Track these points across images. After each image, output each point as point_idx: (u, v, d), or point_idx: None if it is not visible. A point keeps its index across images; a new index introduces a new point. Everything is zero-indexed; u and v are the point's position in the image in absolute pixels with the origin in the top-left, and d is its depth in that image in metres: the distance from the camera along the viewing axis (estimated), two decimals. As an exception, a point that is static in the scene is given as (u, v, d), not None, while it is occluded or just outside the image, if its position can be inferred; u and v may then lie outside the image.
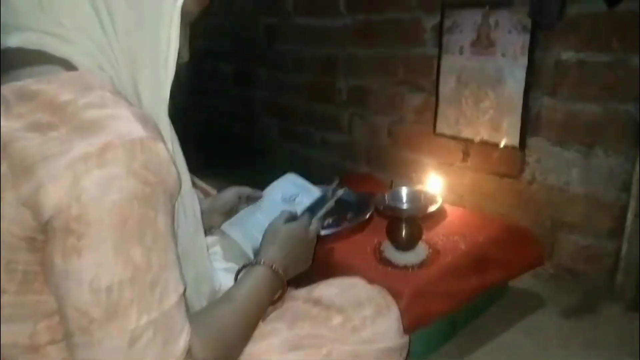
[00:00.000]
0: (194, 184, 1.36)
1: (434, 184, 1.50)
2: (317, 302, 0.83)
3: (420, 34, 1.56)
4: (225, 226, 1.09)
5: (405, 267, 1.12)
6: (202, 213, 1.06)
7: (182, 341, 0.53)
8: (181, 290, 0.55)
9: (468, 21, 1.40)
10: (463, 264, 1.14)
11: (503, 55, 1.33)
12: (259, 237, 1.00)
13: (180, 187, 0.57)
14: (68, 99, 0.49)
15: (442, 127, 1.54)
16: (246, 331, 0.70)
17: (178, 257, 0.56)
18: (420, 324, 1.02)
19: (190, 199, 0.77)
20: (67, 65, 0.54)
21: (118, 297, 0.48)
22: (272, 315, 0.81)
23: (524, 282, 1.32)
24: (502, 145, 1.38)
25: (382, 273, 1.11)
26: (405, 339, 0.83)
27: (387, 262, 1.14)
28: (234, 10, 2.43)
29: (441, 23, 1.46)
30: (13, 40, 0.54)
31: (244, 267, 0.80)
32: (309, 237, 0.94)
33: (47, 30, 0.55)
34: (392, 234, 1.15)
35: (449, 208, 1.41)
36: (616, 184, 1.19)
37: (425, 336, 1.08)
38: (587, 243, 1.27)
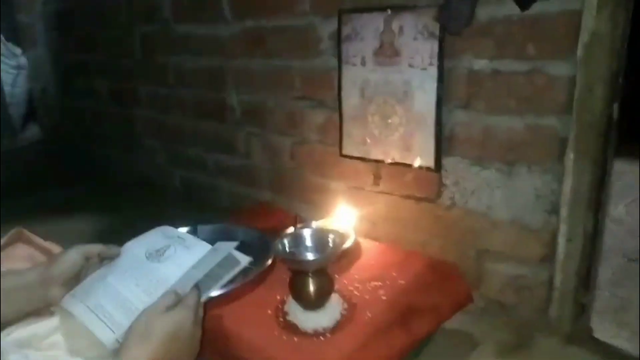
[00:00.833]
0: (29, 243, 1.04)
1: (344, 213, 1.30)
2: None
3: (316, 43, 1.35)
4: (66, 300, 0.80)
5: (316, 334, 0.89)
6: (32, 286, 0.77)
7: None
8: None
9: (369, 27, 1.21)
10: (386, 318, 0.94)
11: (410, 65, 1.16)
12: (113, 312, 0.74)
13: None
14: None
15: (348, 147, 1.35)
16: None
17: None
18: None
19: None
20: None
21: None
22: None
23: (453, 320, 1.14)
24: (415, 165, 1.21)
25: (287, 345, 0.87)
26: None
27: (292, 328, 0.91)
28: (106, 18, 2.08)
29: (339, 30, 1.27)
30: None
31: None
32: (197, 329, 0.69)
33: None
34: (297, 291, 0.92)
35: (363, 243, 1.22)
36: (543, 206, 1.06)
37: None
38: (516, 273, 1.14)
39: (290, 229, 1.22)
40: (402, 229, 1.31)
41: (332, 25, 1.30)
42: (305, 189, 1.54)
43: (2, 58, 2.37)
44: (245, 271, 1.06)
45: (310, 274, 0.89)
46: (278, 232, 1.23)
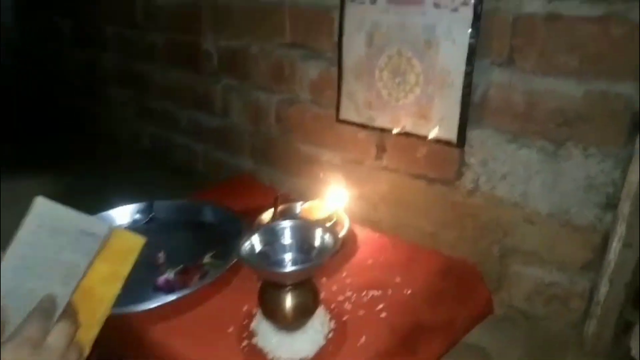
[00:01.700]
0: None
1: (338, 191, 1.05)
2: None
3: (313, -27, 1.06)
4: None
5: (293, 366, 0.66)
6: None
7: None
8: None
9: (383, -48, 0.92)
10: (386, 344, 0.71)
11: (436, 4, 0.88)
12: None
13: None
14: None
15: (348, 111, 1.08)
16: None
17: None
18: None
19: None
20: None
21: None
22: None
23: (464, 333, 0.93)
24: (431, 137, 0.95)
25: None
26: None
27: (258, 358, 0.67)
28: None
29: (343, -44, 0.98)
30: None
31: None
32: None
33: None
34: (269, 307, 0.68)
35: (360, 233, 0.97)
36: (597, 199, 0.81)
37: None
38: (549, 279, 0.90)
39: (270, 213, 0.96)
40: (409, 215, 1.06)
41: (335, -50, 1.00)
42: (293, 159, 1.28)
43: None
44: (202, 270, 0.82)
45: (288, 287, 0.64)
46: (255, 212, 0.98)
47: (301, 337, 0.68)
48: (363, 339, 0.69)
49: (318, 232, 0.70)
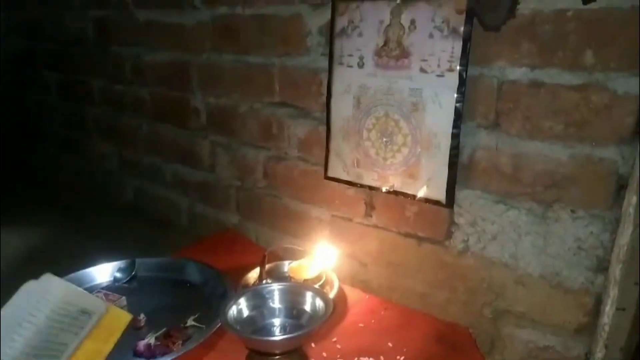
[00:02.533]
0: None
1: (327, 249, 1.03)
2: None
3: (302, 37, 1.09)
4: None
5: None
6: None
7: None
8: None
9: (371, 19, 0.96)
10: (379, 415, 0.67)
11: (422, 70, 0.90)
12: None
13: None
14: None
15: (336, 168, 1.08)
16: None
17: None
18: None
19: None
20: None
21: None
22: None
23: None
24: (420, 197, 0.95)
25: None
26: None
27: None
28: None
29: (332, 22, 1.01)
30: None
31: None
32: None
33: None
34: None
35: (350, 294, 0.95)
36: (587, 262, 0.81)
37: None
38: (543, 343, 0.88)
39: (256, 272, 0.94)
40: (399, 275, 1.04)
41: (324, 16, 1.04)
42: (280, 215, 1.26)
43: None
44: (186, 334, 0.78)
45: (276, 357, 0.61)
46: (241, 271, 0.96)
47: (290, 410, 0.64)
48: (356, 412, 0.66)
49: (309, 296, 0.68)
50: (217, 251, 1.12)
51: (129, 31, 1.53)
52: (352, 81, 1.01)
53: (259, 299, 0.68)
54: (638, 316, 0.80)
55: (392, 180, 1.00)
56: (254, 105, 1.24)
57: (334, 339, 0.81)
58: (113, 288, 0.93)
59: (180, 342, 0.75)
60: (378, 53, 0.96)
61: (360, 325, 0.85)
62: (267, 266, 0.98)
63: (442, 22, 0.86)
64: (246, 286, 0.87)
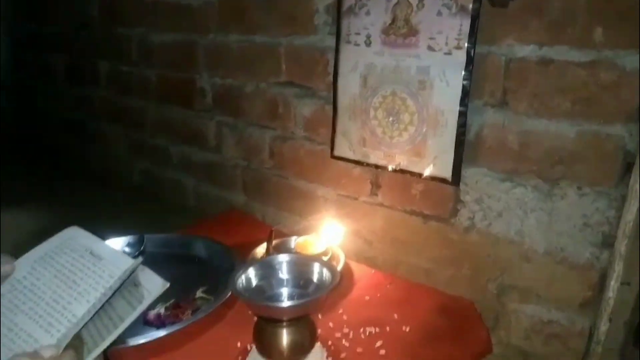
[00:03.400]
0: None
1: (333, 227, 1.04)
2: None
3: (309, 16, 1.09)
4: None
5: (291, 407, 0.63)
6: None
7: None
8: None
9: (378, -3, 0.96)
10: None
11: (430, 48, 0.91)
12: None
13: None
14: None
15: (342, 148, 1.09)
16: None
17: None
18: None
19: None
20: None
21: None
22: None
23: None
24: (426, 175, 0.96)
25: None
26: None
27: (258, 396, 0.64)
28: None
29: (339, 0, 1.01)
30: None
31: None
32: None
33: None
34: (264, 344, 0.66)
35: (356, 269, 0.96)
36: (592, 238, 0.82)
37: None
38: (547, 317, 0.90)
39: (263, 247, 0.95)
40: (404, 252, 1.06)
41: (331, -5, 1.04)
42: (286, 195, 1.27)
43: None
44: (195, 305, 0.80)
45: (284, 323, 0.63)
46: (248, 248, 0.97)
47: (299, 376, 0.66)
48: (364, 379, 0.67)
49: (316, 267, 0.69)
50: (224, 229, 1.14)
51: (135, 12, 1.53)
52: (359, 60, 1.01)
53: (267, 270, 0.69)
54: (642, 291, 0.81)
55: (399, 159, 1.00)
56: (260, 85, 1.24)
57: (340, 311, 0.82)
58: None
59: (190, 312, 0.76)
60: (385, 31, 0.96)
61: (366, 298, 0.87)
62: (274, 242, 0.99)
63: (451, -1, 0.86)
64: (255, 259, 0.88)
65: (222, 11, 1.28)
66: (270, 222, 1.31)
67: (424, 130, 0.95)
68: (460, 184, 0.94)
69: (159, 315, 0.75)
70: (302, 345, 0.66)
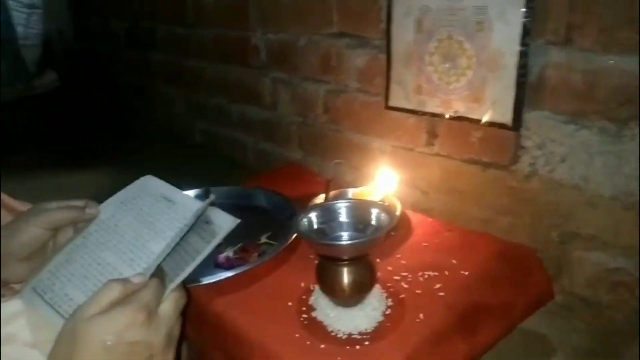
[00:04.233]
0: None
1: (388, 178, 1.05)
2: None
3: (362, -38, 1.07)
4: (25, 293, 0.62)
5: (350, 339, 0.67)
6: None
7: None
8: None
9: None
10: (445, 321, 0.71)
11: (488, -15, 0.87)
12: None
13: None
14: None
15: (397, 97, 1.08)
16: None
17: None
18: None
19: None
20: None
21: None
22: None
23: (523, 319, 0.91)
24: (484, 121, 0.94)
25: (311, 353, 0.65)
26: None
27: (319, 330, 0.69)
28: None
29: (392, -58, 0.98)
30: None
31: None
32: (155, 334, 0.47)
33: None
34: (326, 282, 0.69)
35: (413, 218, 0.97)
36: (663, 181, 0.78)
37: None
38: (613, 265, 0.87)
39: (321, 198, 0.98)
40: (461, 202, 1.05)
41: (383, -63, 1.01)
42: (341, 148, 1.29)
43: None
44: (260, 249, 0.85)
45: (345, 262, 0.65)
46: (306, 199, 1.00)
47: (359, 313, 0.69)
48: (421, 316, 0.69)
49: (374, 211, 0.70)
50: (282, 182, 1.17)
51: (188, -27, 1.56)
52: (412, 3, 0.98)
53: (327, 214, 0.72)
54: None
55: (456, 106, 0.98)
56: (312, 38, 1.24)
57: (398, 256, 0.84)
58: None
59: (256, 255, 0.81)
60: (440, -29, 0.93)
61: (424, 244, 0.88)
62: (331, 193, 1.01)
63: None
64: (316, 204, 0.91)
65: (272, -35, 1.28)
66: (326, 175, 1.34)
67: (482, 74, 0.92)
68: (521, 128, 0.91)
69: (228, 258, 0.80)
70: (363, 284, 0.68)
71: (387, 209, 0.71)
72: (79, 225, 0.66)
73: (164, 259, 0.56)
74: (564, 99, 0.85)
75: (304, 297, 0.74)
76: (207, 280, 0.74)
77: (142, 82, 2.01)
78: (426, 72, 1.00)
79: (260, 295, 0.75)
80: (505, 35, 0.87)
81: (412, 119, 1.08)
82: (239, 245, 0.83)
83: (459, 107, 0.98)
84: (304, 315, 0.71)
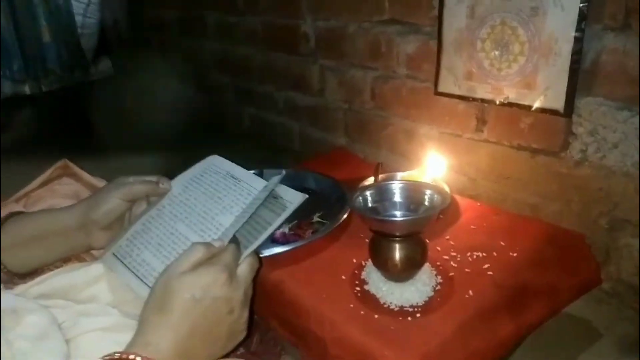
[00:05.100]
0: (76, 178, 0.93)
1: (435, 164, 1.07)
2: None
3: (414, -51, 1.08)
4: (106, 258, 0.69)
5: (402, 311, 0.70)
6: (70, 230, 0.69)
7: None
8: None
9: None
10: (492, 299, 0.73)
11: (544, -30, 0.87)
12: (159, 268, 0.63)
13: None
14: None
15: (446, 83, 1.09)
16: None
17: None
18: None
19: None
20: None
21: None
22: None
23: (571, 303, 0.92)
24: (536, 107, 0.95)
25: (366, 323, 0.69)
26: None
27: (372, 302, 0.72)
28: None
29: None
30: None
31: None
32: (235, 292, 0.53)
33: None
34: (379, 258, 0.73)
35: (461, 202, 0.99)
36: None
37: None
38: (664, 252, 0.87)
39: (370, 180, 1.01)
40: (510, 188, 1.06)
41: None
42: (388, 135, 1.31)
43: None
44: (313, 227, 0.89)
45: (397, 238, 0.69)
46: (354, 182, 1.03)
47: (410, 288, 0.72)
48: (470, 293, 0.72)
49: (428, 192, 0.73)
50: (330, 166, 1.20)
51: (240, -38, 1.61)
52: (466, -9, 1.00)
53: (380, 194, 0.75)
54: None
55: (507, 92, 0.99)
56: (362, 25, 1.27)
57: (447, 237, 0.86)
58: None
59: (310, 232, 0.86)
60: (495, -42, 0.93)
61: (472, 227, 0.90)
62: (380, 176, 1.04)
63: None
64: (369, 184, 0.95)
65: (324, -47, 1.30)
66: (373, 161, 1.37)
67: (535, 60, 0.93)
68: (573, 115, 0.91)
69: (284, 234, 0.85)
70: (414, 260, 0.72)
71: (440, 190, 0.73)
72: (152, 198, 0.72)
73: (238, 230, 0.61)
74: (618, 85, 0.85)
75: (356, 271, 0.78)
76: (266, 253, 0.79)
77: (192, 69, 2.09)
78: (477, 58, 1.02)
79: (315, 269, 0.80)
80: (561, 21, 0.87)
81: (461, 105, 1.10)
82: (293, 223, 0.88)
83: (510, 93, 0.98)
84: (357, 289, 0.75)
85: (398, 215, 0.75)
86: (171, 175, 0.75)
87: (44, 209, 0.76)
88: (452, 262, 0.79)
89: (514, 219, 0.93)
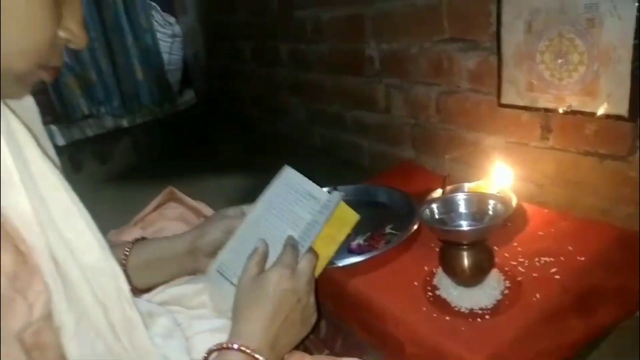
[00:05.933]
0: (180, 202, 1.07)
1: (502, 173, 1.11)
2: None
3: (469, -29, 1.14)
4: (210, 273, 0.81)
5: (472, 314, 0.76)
6: (182, 255, 0.77)
7: None
8: None
9: (540, -59, 0.97)
10: (560, 302, 0.77)
11: (598, -17, 0.90)
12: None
13: None
14: None
15: (509, 95, 1.14)
16: None
17: None
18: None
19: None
20: None
21: None
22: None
23: None
24: (600, 114, 0.97)
25: (438, 324, 0.76)
26: None
27: (443, 305, 0.79)
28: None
29: (499, -49, 1.05)
30: None
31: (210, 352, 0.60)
32: (298, 283, 0.66)
33: None
34: (449, 265, 0.79)
35: (528, 209, 1.03)
36: None
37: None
38: None
39: (439, 192, 1.08)
40: (577, 193, 1.08)
41: (490, -54, 1.07)
42: (453, 146, 1.37)
43: (159, 28, 2.55)
44: (386, 238, 0.97)
45: (465, 247, 0.75)
46: (422, 194, 1.10)
47: (479, 292, 0.78)
48: (537, 296, 0.77)
49: (491, 202, 0.79)
50: (399, 180, 1.28)
51: (307, -5, 1.74)
52: (522, 6, 1.04)
53: (447, 206, 0.82)
54: None
55: (569, 100, 1.02)
56: (424, 45, 1.34)
57: (515, 244, 0.91)
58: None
59: (383, 242, 0.94)
60: (549, -26, 0.97)
61: (540, 233, 0.94)
62: (447, 188, 1.10)
63: None
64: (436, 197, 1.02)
65: (384, -19, 1.40)
66: (440, 172, 1.42)
67: (595, 68, 0.95)
68: (638, 119, 0.93)
69: (359, 245, 0.94)
70: (481, 267, 0.78)
71: (503, 200, 0.79)
72: None
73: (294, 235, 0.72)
74: (684, 88, 0.85)
75: (427, 278, 0.85)
76: (343, 263, 0.89)
77: (267, 94, 2.25)
78: (537, 70, 1.05)
79: (389, 277, 0.88)
80: (618, 30, 0.89)
81: (525, 115, 1.13)
82: (368, 234, 0.97)
83: (572, 102, 1.01)
84: (429, 294, 0.82)
85: (464, 225, 0.81)
86: (256, 188, 0.84)
87: (160, 237, 0.88)
88: (519, 267, 0.84)
89: (583, 223, 0.95)
